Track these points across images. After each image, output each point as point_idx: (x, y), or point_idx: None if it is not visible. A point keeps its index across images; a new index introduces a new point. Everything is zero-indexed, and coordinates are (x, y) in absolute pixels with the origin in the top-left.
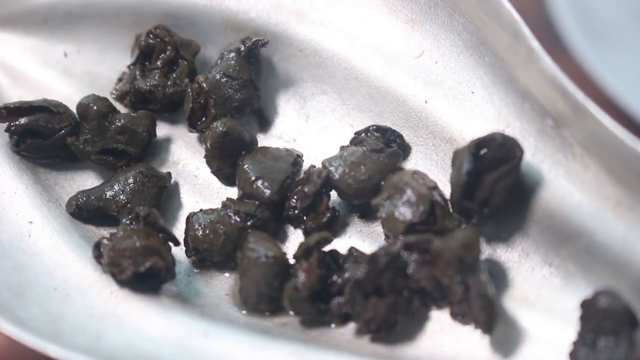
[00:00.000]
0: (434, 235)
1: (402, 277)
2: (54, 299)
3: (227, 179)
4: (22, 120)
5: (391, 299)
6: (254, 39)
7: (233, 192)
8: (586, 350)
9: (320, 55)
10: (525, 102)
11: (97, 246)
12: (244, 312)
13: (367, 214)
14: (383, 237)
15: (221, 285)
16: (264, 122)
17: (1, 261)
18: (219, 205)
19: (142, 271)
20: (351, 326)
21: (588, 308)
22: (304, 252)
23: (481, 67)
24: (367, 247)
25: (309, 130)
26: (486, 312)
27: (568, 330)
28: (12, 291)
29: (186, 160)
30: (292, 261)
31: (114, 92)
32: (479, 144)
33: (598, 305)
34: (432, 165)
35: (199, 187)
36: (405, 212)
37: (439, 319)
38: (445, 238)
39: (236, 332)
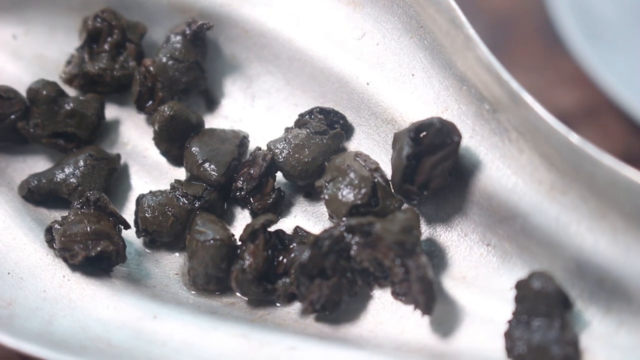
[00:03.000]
0: (375, 216)
1: (345, 258)
2: (7, 283)
3: (175, 160)
4: None
5: (334, 281)
6: (199, 23)
7: (182, 173)
8: (520, 330)
9: (265, 36)
10: (463, 86)
11: (49, 230)
12: (193, 292)
13: (312, 194)
14: (327, 216)
15: (171, 265)
16: (211, 103)
17: None
18: (168, 187)
19: (93, 255)
20: (297, 305)
21: (522, 289)
22: (250, 235)
23: (421, 50)
24: (313, 226)
25: (254, 110)
26: (425, 294)
27: (504, 309)
28: None
29: (135, 141)
30: (239, 243)
31: (63, 75)
32: (418, 128)
33: (532, 287)
34: (374, 146)
35: (148, 167)
36: (347, 195)
37: (381, 298)
38: (386, 221)
39: (185, 314)
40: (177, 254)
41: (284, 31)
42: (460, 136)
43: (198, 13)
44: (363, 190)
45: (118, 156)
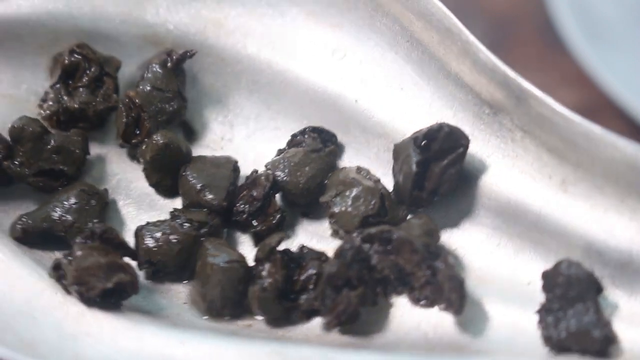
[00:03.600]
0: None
1: (366, 268)
2: (22, 324)
3: (166, 191)
4: None
5: (361, 290)
6: (181, 51)
7: (171, 204)
8: (555, 318)
9: (242, 62)
10: (458, 94)
11: (57, 267)
12: (205, 318)
13: (309, 214)
14: (329, 233)
15: (178, 295)
16: (190, 133)
17: None
18: (159, 217)
19: (110, 287)
20: (316, 322)
21: (550, 278)
22: (267, 253)
23: (408, 64)
24: (316, 244)
25: (234, 137)
26: (457, 292)
27: (526, 305)
28: None
29: (119, 175)
30: (251, 264)
31: (43, 112)
32: (426, 134)
33: (561, 275)
34: (366, 161)
35: (136, 200)
36: (358, 207)
37: (400, 304)
38: (403, 228)
39: (211, 337)
40: (180, 285)
41: (261, 56)
42: (468, 140)
43: (171, 43)
44: (373, 201)
45: (105, 191)
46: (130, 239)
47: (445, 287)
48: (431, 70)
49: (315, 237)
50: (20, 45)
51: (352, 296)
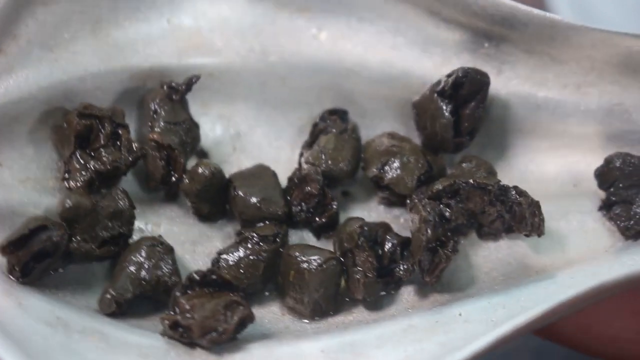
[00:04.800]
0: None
1: (446, 223)
2: None
3: (214, 217)
4: (34, 247)
5: (452, 244)
6: (184, 81)
7: (206, 230)
8: (624, 209)
9: (229, 72)
10: (452, 37)
11: (174, 326)
12: (306, 321)
13: (349, 193)
14: (373, 210)
15: (271, 309)
16: (203, 154)
17: None
18: (216, 245)
19: (238, 325)
20: (407, 292)
21: (605, 175)
22: (354, 240)
23: (390, 22)
24: (367, 217)
25: (245, 144)
26: (538, 215)
27: (583, 206)
28: None
29: (149, 219)
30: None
31: (74, 184)
32: (453, 84)
33: (616, 168)
34: (386, 125)
35: (186, 236)
36: (410, 169)
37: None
38: (465, 174)
39: (342, 335)
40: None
41: (248, 60)
42: (488, 76)
43: (159, 73)
44: (421, 160)
45: (160, 237)
46: None
47: (527, 213)
48: (419, 23)
49: (365, 213)
50: (18, 127)
51: (447, 253)
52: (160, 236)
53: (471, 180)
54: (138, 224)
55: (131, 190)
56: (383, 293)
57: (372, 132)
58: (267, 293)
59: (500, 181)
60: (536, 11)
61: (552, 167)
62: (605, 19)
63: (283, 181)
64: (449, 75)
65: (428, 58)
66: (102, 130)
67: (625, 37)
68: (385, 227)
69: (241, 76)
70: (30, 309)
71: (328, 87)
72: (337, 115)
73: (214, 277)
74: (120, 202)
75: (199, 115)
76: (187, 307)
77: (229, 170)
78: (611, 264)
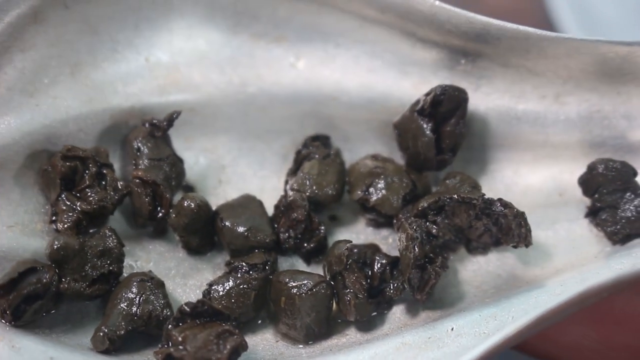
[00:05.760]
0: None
1: (433, 239)
2: None
3: (203, 248)
4: (23, 290)
5: (440, 260)
6: (164, 118)
7: (196, 263)
8: (610, 214)
9: (210, 105)
10: (428, 57)
11: (169, 358)
12: (301, 346)
13: (336, 217)
14: (361, 232)
15: (264, 336)
16: (189, 188)
17: None
18: (207, 276)
19: (230, 354)
20: (397, 309)
21: (589, 182)
22: (343, 264)
23: (367, 46)
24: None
25: (230, 177)
26: (525, 226)
27: (570, 214)
28: None
29: (137, 255)
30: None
31: (61, 226)
32: (432, 102)
33: (599, 175)
34: (369, 147)
35: (177, 270)
36: (395, 189)
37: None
38: (446, 192)
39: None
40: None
41: (227, 92)
42: (466, 92)
43: (140, 112)
44: (405, 180)
45: (150, 272)
46: None
47: (513, 225)
48: (395, 45)
49: (353, 236)
50: (3, 173)
51: (437, 270)
52: (150, 271)
53: (455, 196)
54: (128, 261)
55: (119, 228)
56: (375, 313)
57: (355, 156)
58: (260, 321)
59: (484, 194)
60: (509, 25)
61: (537, 178)
62: (605, 20)
63: (270, 210)
64: (427, 94)
65: (406, 78)
66: (87, 171)
67: (599, 43)
68: (374, 248)
69: (222, 109)
70: (24, 352)
71: (309, 114)
72: (320, 141)
73: (205, 307)
74: (109, 241)
75: (182, 150)
76: (180, 339)
77: (215, 202)
78: (599, 269)
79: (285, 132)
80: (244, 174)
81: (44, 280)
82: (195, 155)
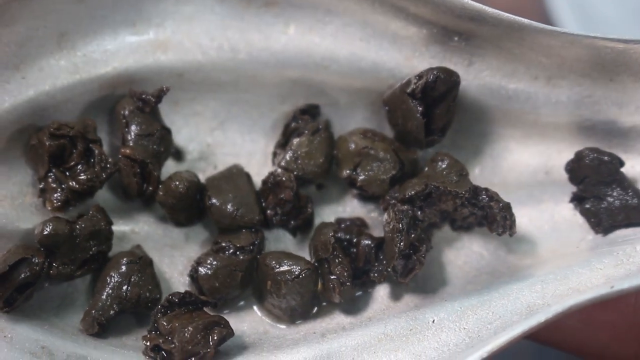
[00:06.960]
0: (410, 177)
1: (418, 225)
2: None
3: (191, 222)
4: (15, 280)
5: (424, 248)
6: (154, 92)
7: (184, 233)
8: (594, 203)
9: (201, 71)
10: (421, 31)
11: (155, 349)
12: (284, 327)
13: (323, 186)
14: (347, 204)
15: (251, 312)
16: (178, 155)
17: None
18: (196, 251)
19: (218, 346)
20: (381, 291)
21: (576, 170)
22: (329, 249)
23: (357, 16)
24: (342, 212)
25: (219, 140)
26: (509, 216)
27: (556, 196)
28: None
29: (126, 226)
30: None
31: (51, 204)
32: (424, 88)
33: (586, 165)
34: (359, 119)
35: (162, 242)
36: (384, 170)
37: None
38: (434, 177)
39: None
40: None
41: (216, 58)
42: (458, 75)
43: (127, 80)
44: (393, 160)
45: (139, 248)
46: (178, 284)
47: (498, 216)
48: (387, 17)
49: (340, 209)
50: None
51: (420, 257)
52: (139, 246)
53: (442, 187)
54: (117, 231)
55: (108, 199)
56: (359, 293)
57: (345, 122)
58: (243, 302)
59: (471, 186)
60: (505, 15)
61: (525, 155)
62: (605, 19)
63: (259, 176)
64: (419, 78)
65: (397, 50)
66: (75, 149)
67: (594, 39)
68: (360, 225)
69: (212, 75)
70: (16, 341)
71: (299, 81)
72: (309, 113)
73: (192, 298)
74: (97, 222)
75: (171, 114)
76: (168, 328)
77: (203, 167)
78: (580, 266)
79: (274, 98)
80: (233, 137)
81: (35, 268)
82: (184, 119)
